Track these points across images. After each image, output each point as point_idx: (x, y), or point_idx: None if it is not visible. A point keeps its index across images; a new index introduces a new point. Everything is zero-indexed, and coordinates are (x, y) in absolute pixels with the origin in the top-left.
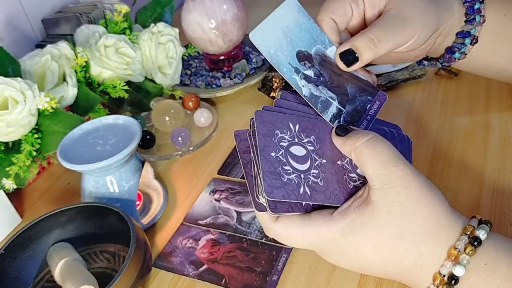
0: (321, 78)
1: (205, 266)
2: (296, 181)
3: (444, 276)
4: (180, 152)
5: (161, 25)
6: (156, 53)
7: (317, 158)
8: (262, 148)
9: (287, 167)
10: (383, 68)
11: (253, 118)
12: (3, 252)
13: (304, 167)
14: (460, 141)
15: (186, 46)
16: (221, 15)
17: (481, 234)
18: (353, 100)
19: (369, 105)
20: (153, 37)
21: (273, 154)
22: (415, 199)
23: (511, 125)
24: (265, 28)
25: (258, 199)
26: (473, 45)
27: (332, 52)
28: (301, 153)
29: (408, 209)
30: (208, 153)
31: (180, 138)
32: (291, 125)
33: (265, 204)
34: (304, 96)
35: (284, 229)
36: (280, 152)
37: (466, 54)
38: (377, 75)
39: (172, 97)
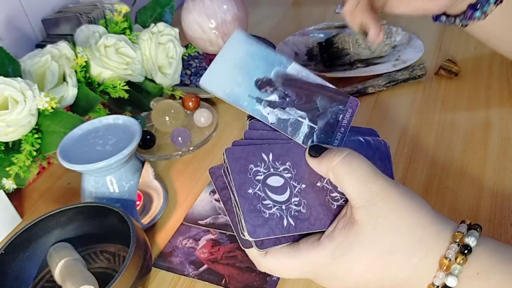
0: (287, 99)
1: (205, 266)
2: (278, 214)
3: (437, 287)
4: (180, 152)
5: (161, 25)
6: (156, 53)
7: (296, 184)
8: (238, 187)
9: (266, 202)
10: (383, 68)
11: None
12: (3, 252)
13: (284, 197)
14: (460, 141)
15: (186, 46)
16: (221, 15)
17: (471, 241)
18: (324, 114)
19: (341, 115)
20: (153, 37)
21: (250, 191)
22: (398, 211)
23: (511, 125)
24: (215, 70)
25: (244, 235)
26: (497, 5)
27: (293, 69)
28: (278, 183)
29: (393, 223)
30: (208, 153)
31: (180, 138)
32: (264, 156)
33: (251, 241)
34: (271, 123)
35: (275, 263)
36: (257, 187)
37: (487, 15)
38: (377, 75)
39: (172, 97)
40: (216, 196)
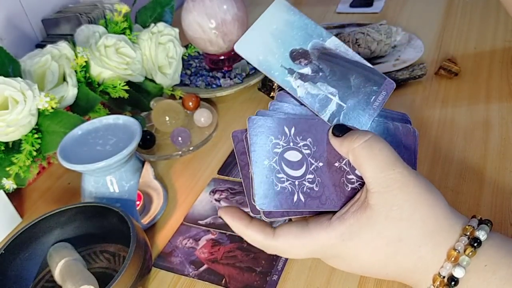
0: (320, 74)
1: (205, 266)
2: (290, 189)
3: (444, 277)
4: (180, 152)
5: (161, 25)
6: (156, 53)
7: (313, 161)
8: (254, 156)
9: (280, 175)
10: (383, 68)
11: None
12: (3, 252)
13: (299, 173)
14: (460, 141)
15: (186, 46)
16: (221, 15)
17: (481, 234)
18: (356, 93)
19: (373, 97)
20: (153, 37)
21: (266, 162)
22: (414, 201)
23: (511, 125)
24: (251, 37)
25: (254, 201)
26: None
27: (332, 43)
28: (296, 158)
29: (406, 212)
30: (208, 153)
31: (180, 138)
32: (286, 129)
33: (259, 210)
34: (299, 97)
35: (284, 243)
36: (274, 160)
37: None
38: None
39: (172, 97)
40: (216, 196)
